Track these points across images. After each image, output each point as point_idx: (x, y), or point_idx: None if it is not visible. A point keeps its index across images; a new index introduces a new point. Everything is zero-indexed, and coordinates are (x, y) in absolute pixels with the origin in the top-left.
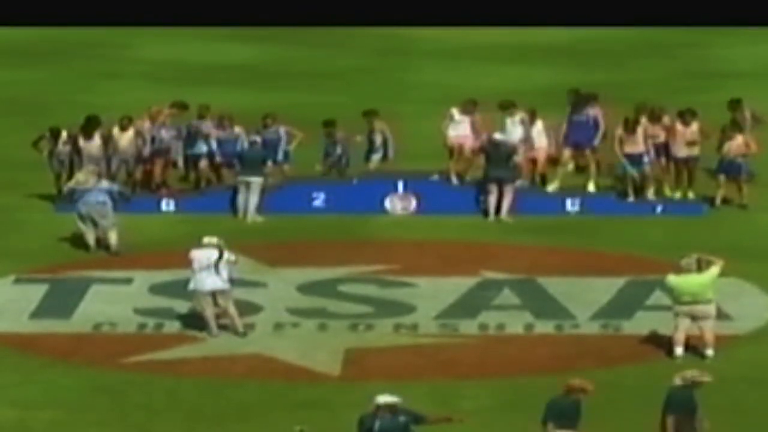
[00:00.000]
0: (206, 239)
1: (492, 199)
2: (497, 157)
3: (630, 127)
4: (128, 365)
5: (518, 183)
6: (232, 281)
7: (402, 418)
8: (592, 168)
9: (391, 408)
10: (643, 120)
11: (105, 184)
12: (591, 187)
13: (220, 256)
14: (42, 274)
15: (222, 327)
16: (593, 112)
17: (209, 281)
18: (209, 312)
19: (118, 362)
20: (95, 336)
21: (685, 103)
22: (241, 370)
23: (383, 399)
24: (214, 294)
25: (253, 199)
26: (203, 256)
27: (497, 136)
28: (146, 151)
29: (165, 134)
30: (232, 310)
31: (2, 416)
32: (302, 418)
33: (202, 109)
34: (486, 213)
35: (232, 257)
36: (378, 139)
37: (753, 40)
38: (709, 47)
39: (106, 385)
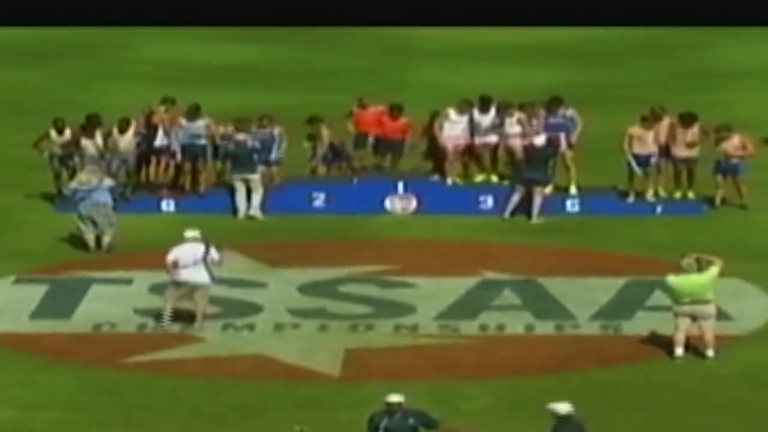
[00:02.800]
0: (189, 233)
1: (514, 199)
2: (535, 160)
3: (649, 124)
4: (128, 365)
5: (548, 190)
6: (214, 279)
7: (411, 420)
8: (573, 171)
9: (401, 408)
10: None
11: (108, 183)
12: (573, 190)
13: (207, 250)
14: (42, 274)
15: (224, 327)
16: (569, 113)
17: (197, 275)
18: (171, 303)
19: (118, 362)
20: (95, 336)
21: (685, 103)
22: (242, 370)
23: (390, 398)
24: (193, 287)
25: (256, 196)
26: (189, 252)
27: (537, 141)
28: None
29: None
30: (203, 307)
31: (2, 416)
32: (302, 418)
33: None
34: (502, 211)
35: (216, 257)
36: (321, 147)
37: (753, 40)
38: (709, 47)
39: (106, 385)
